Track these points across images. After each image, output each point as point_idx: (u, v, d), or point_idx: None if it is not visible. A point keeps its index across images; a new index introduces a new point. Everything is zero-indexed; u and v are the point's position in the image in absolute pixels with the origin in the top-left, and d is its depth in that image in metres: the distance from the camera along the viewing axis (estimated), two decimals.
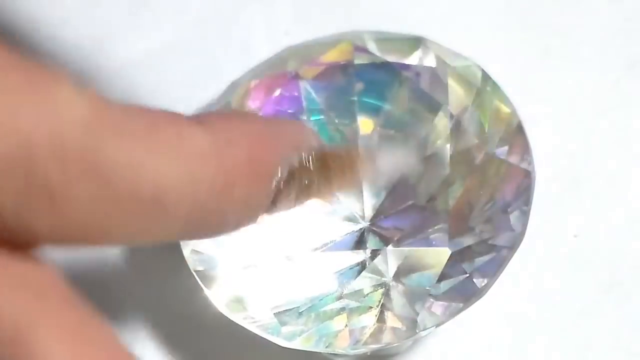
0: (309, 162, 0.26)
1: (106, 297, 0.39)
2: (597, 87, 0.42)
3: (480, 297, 0.34)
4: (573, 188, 0.41)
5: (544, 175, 0.38)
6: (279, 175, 0.24)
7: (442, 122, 0.37)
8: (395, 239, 0.36)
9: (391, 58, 0.38)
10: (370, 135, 0.38)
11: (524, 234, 0.35)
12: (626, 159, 0.41)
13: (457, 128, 0.37)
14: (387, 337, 0.34)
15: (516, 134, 0.36)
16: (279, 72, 0.38)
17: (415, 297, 0.35)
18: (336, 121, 0.38)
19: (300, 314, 0.35)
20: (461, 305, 0.34)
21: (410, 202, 0.37)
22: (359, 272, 0.36)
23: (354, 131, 0.38)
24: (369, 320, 0.35)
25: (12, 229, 0.19)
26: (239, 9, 0.44)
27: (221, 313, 0.34)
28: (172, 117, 0.22)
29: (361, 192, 0.37)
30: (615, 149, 0.41)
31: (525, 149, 0.36)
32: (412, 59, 0.38)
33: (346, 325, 0.35)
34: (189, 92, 0.42)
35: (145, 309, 0.39)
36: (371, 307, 0.35)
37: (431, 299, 0.35)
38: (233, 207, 0.23)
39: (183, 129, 0.22)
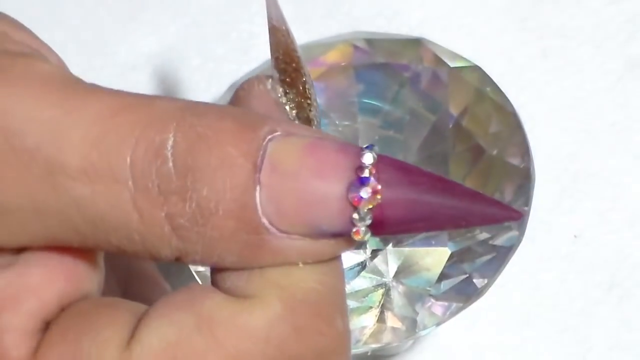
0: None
1: None
2: (597, 87, 0.42)
3: (480, 297, 0.34)
4: (573, 188, 0.41)
5: (544, 175, 0.38)
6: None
7: (441, 122, 0.37)
8: (395, 239, 0.36)
9: (391, 59, 0.38)
10: (370, 135, 0.38)
11: (523, 234, 0.35)
12: (626, 159, 0.41)
13: (457, 128, 0.37)
14: (387, 337, 0.34)
15: (516, 134, 0.36)
16: None
17: (415, 297, 0.35)
18: (337, 122, 0.38)
19: None
20: (461, 305, 0.34)
21: None
22: (359, 272, 0.36)
23: (355, 132, 0.38)
24: (369, 320, 0.35)
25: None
26: (239, 10, 0.44)
27: None
28: None
29: None
30: (615, 149, 0.41)
31: (525, 149, 0.36)
32: (412, 60, 0.38)
33: None
34: (190, 93, 0.42)
35: None
36: (371, 307, 0.35)
37: (431, 299, 0.35)
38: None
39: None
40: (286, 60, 0.28)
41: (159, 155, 0.24)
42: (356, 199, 0.24)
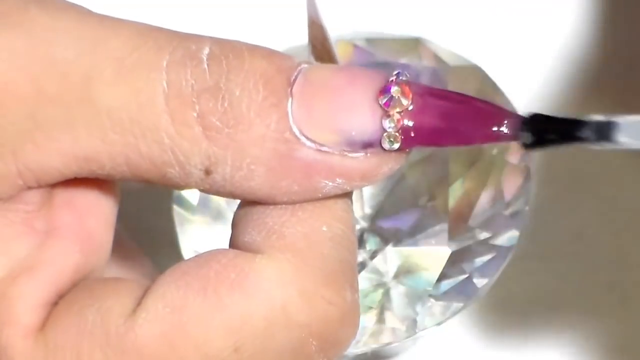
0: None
1: None
2: (597, 87, 0.42)
3: (480, 297, 0.34)
4: (573, 188, 0.41)
5: (544, 175, 0.38)
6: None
7: None
8: (395, 239, 0.36)
9: (391, 58, 0.38)
10: None
11: (524, 234, 0.35)
12: (626, 158, 0.41)
13: None
14: (387, 337, 0.35)
15: None
16: None
17: (415, 297, 0.35)
18: None
19: None
20: (461, 305, 0.34)
21: (410, 202, 0.37)
22: (359, 272, 0.36)
23: None
24: (368, 320, 0.35)
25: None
26: (239, 9, 0.44)
27: None
28: None
29: (361, 192, 0.37)
30: (615, 148, 0.41)
31: None
32: (412, 59, 0.38)
33: None
34: None
35: None
36: (371, 307, 0.35)
37: (431, 299, 0.35)
38: None
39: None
40: (323, 50, 0.28)
41: (195, 58, 0.24)
42: (387, 101, 0.24)
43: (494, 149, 0.36)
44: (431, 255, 0.36)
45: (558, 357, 0.39)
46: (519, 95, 0.38)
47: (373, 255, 0.36)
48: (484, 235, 0.35)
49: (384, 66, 0.38)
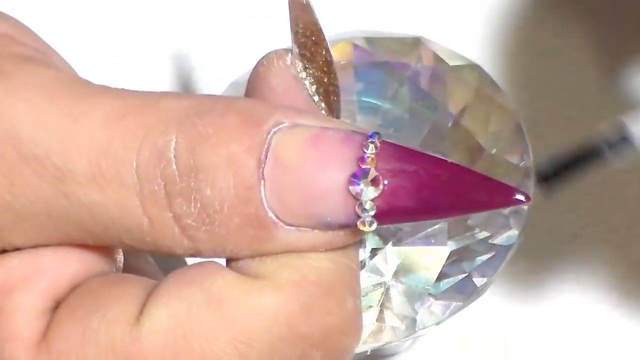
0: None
1: None
2: (597, 87, 0.42)
3: (480, 297, 0.34)
4: (573, 188, 0.41)
5: None
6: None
7: (441, 121, 0.37)
8: (395, 238, 0.36)
9: (390, 58, 0.38)
10: None
11: (523, 233, 0.35)
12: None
13: (456, 127, 0.37)
14: (386, 336, 0.35)
15: (516, 134, 0.36)
16: None
17: (415, 296, 0.35)
18: None
19: None
20: (461, 304, 0.34)
21: None
22: None
23: None
24: (368, 319, 0.35)
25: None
26: (239, 9, 0.44)
27: None
28: None
29: None
30: None
31: (525, 149, 0.36)
32: (412, 59, 0.38)
33: None
34: (189, 93, 0.42)
35: None
36: (371, 306, 0.35)
37: (431, 298, 0.35)
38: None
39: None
40: (306, 34, 0.28)
41: (163, 157, 0.24)
42: (357, 191, 0.24)
43: (493, 148, 0.36)
44: (431, 254, 0.36)
45: (558, 356, 0.39)
46: (519, 94, 0.38)
47: (373, 254, 0.36)
48: (483, 234, 0.35)
49: (384, 66, 0.38)
